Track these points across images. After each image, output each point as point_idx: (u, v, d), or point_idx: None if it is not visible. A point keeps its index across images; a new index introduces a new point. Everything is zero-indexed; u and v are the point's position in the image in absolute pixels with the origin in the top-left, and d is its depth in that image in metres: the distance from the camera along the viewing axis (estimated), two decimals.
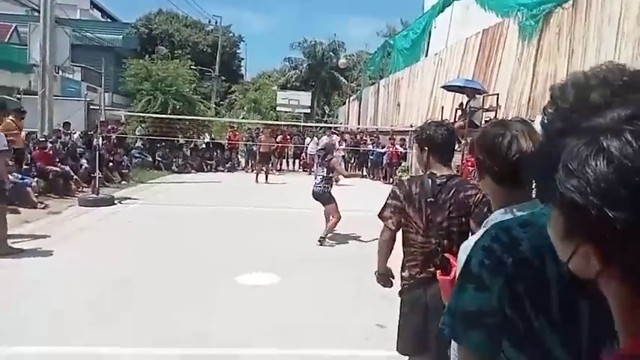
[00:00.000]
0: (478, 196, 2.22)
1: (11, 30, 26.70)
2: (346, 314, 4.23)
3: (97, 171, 9.98)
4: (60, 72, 18.61)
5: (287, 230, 7.55)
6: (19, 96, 16.16)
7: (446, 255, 2.09)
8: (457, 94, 10.82)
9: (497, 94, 9.37)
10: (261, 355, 3.48)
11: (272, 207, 9.52)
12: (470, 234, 2.21)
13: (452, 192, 2.26)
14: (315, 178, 6.99)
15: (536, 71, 8.70)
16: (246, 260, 5.77)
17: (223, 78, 35.35)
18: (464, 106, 9.67)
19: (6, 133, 9.88)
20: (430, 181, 2.30)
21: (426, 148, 2.38)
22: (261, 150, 15.39)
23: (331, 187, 6.86)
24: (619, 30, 6.71)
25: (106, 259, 5.69)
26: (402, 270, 2.42)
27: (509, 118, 1.75)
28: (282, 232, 7.37)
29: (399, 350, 2.47)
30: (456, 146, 10.81)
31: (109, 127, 14.31)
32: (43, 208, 8.60)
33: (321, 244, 6.63)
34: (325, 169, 6.74)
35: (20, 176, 8.88)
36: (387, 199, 2.44)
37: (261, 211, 9.08)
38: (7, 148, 5.91)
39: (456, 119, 9.99)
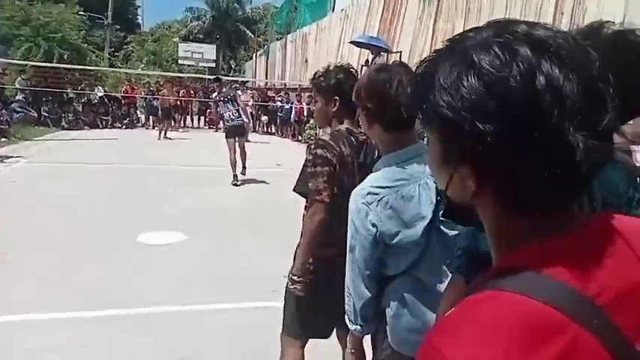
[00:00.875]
0: None
1: None
2: (253, 268, 4.24)
3: None
4: None
5: (193, 187, 7.30)
6: None
7: None
8: (363, 50, 10.95)
9: (400, 52, 9.63)
10: (167, 311, 3.38)
11: (174, 164, 9.12)
12: None
13: (376, 151, 1.89)
14: (232, 116, 7.72)
15: (436, 29, 9.04)
16: (150, 219, 5.51)
17: (117, 27, 32.48)
18: (369, 63, 9.83)
19: None
20: (353, 138, 1.94)
21: (337, 98, 1.97)
22: (163, 105, 14.59)
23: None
24: None
25: None
26: (320, 248, 1.94)
27: (390, 63, 1.72)
28: (187, 189, 7.11)
29: (297, 334, 2.11)
30: None
31: None
32: None
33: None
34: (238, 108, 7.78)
35: None
36: (311, 166, 1.90)
37: (162, 169, 8.66)
38: None
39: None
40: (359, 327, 1.54)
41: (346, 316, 1.57)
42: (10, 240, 4.57)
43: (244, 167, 7.91)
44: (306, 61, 17.58)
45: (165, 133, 13.72)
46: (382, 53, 9.87)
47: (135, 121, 17.27)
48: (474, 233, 1.03)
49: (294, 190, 2.03)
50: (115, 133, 14.73)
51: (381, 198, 1.39)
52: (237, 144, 7.68)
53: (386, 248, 1.43)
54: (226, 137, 7.73)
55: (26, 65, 14.72)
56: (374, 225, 1.39)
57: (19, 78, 15.16)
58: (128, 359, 2.78)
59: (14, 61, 15.07)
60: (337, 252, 1.81)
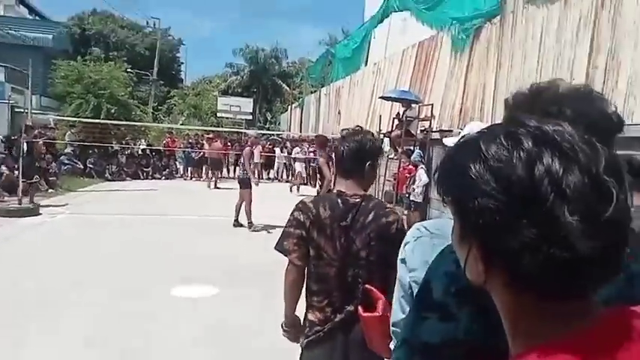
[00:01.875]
0: (399, 223, 1.96)
1: None
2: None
3: (21, 179, 9.35)
4: None
5: (229, 238, 7.42)
6: None
7: (367, 287, 1.84)
8: (395, 103, 11.14)
9: (432, 105, 9.72)
10: None
11: (216, 215, 9.31)
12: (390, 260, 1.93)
13: (371, 216, 1.92)
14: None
15: (467, 83, 9.12)
16: (184, 271, 5.60)
17: (162, 82, 34.35)
18: (400, 116, 9.96)
19: None
20: (340, 201, 1.94)
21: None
22: (211, 156, 15.64)
23: None
24: (540, 45, 7.18)
25: (31, 273, 5.33)
26: (309, 313, 1.99)
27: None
28: (224, 240, 7.23)
29: None
30: (392, 155, 11.13)
31: (36, 131, 13.39)
32: None
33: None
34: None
35: None
36: (287, 226, 1.99)
37: (205, 220, 8.86)
38: None
39: (394, 128, 10.27)
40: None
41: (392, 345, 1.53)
42: (47, 293, 4.73)
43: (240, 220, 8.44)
44: (339, 113, 17.97)
45: (215, 183, 14.56)
46: (413, 106, 10.01)
47: (174, 172, 17.89)
48: (415, 322, 0.96)
49: (275, 247, 2.05)
50: (155, 183, 15.27)
51: (420, 237, 1.37)
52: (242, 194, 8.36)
53: None
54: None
55: (76, 120, 15.65)
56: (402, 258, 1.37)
57: (69, 132, 16.11)
58: None
59: (65, 118, 16.06)
60: (326, 317, 1.93)
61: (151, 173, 16.96)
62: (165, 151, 18.02)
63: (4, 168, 10.83)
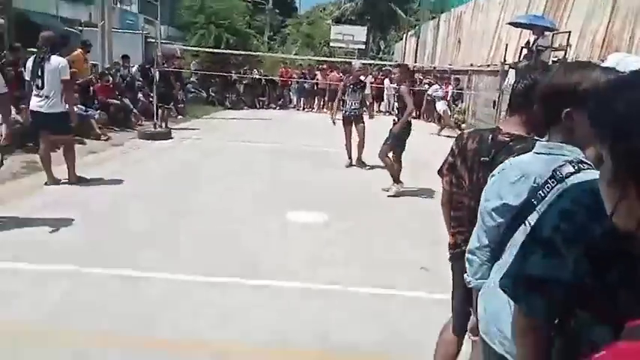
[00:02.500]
0: None
1: None
2: (391, 254, 4.29)
3: (157, 105, 10.28)
4: (117, 4, 18.83)
5: (336, 169, 7.58)
6: (80, 28, 16.59)
7: None
8: (524, 30, 10.08)
9: (569, 32, 8.63)
10: (303, 288, 3.61)
11: (328, 147, 9.52)
12: None
13: (512, 156, 1.77)
14: (353, 105, 7.90)
15: (616, 7, 7.88)
16: (298, 198, 5.88)
17: (277, 11, 34.58)
18: (531, 45, 9.01)
19: (74, 64, 10.30)
20: (491, 137, 1.90)
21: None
22: (330, 89, 15.56)
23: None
24: None
25: (163, 190, 5.99)
26: (450, 236, 2.14)
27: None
28: (332, 171, 7.41)
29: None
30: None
31: (175, 61, 14.01)
32: (106, 139, 9.04)
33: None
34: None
35: (84, 108, 9.30)
36: (448, 153, 2.13)
37: (308, 150, 9.11)
38: (72, 78, 6.16)
39: (521, 59, 9.37)
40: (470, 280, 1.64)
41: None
42: (179, 207, 5.29)
43: (358, 159, 7.90)
44: (459, 42, 16.76)
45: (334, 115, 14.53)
46: (546, 34, 8.97)
47: (288, 103, 18.39)
48: (522, 255, 1.01)
49: (437, 171, 2.20)
50: (270, 113, 15.88)
51: (502, 171, 1.53)
52: (355, 130, 7.85)
53: None
54: (343, 124, 7.97)
55: (199, 50, 16.56)
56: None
57: (194, 62, 17.12)
58: (263, 328, 3.05)
59: (190, 48, 17.04)
60: (455, 243, 2.06)
61: (266, 103, 17.62)
62: (280, 81, 18.47)
63: (140, 95, 11.94)
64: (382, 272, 3.92)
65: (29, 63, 5.85)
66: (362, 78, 8.65)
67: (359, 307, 3.37)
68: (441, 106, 13.43)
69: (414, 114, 7.07)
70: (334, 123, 8.15)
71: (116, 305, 3.17)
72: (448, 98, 13.74)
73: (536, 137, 1.86)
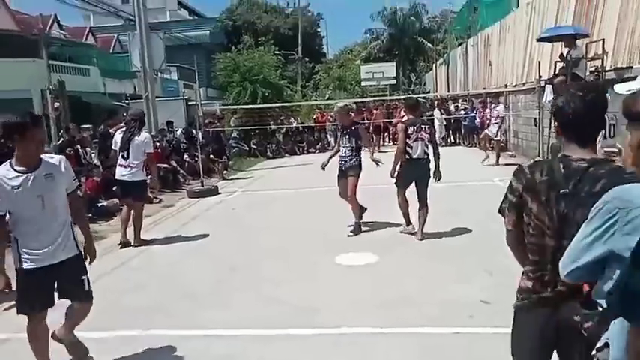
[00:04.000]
0: None
1: (114, 41, 29.23)
2: (448, 291, 4.19)
3: (200, 163, 10.73)
4: (158, 74, 20.09)
5: (383, 207, 7.56)
6: (127, 101, 17.78)
7: None
8: (556, 44, 9.93)
9: (603, 40, 8.44)
10: (365, 333, 3.58)
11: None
12: None
13: (600, 183, 1.66)
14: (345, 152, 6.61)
15: None
16: (345, 240, 5.90)
17: (307, 59, 35.74)
18: (565, 57, 8.84)
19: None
20: (562, 166, 1.75)
21: (556, 124, 1.86)
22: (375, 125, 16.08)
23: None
24: None
25: (217, 245, 6.17)
26: (522, 279, 1.93)
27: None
28: (378, 210, 7.40)
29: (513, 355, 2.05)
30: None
31: (212, 120, 14.73)
32: (158, 202, 9.46)
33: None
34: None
35: None
36: (507, 190, 1.95)
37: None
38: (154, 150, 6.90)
39: (556, 73, 9.20)
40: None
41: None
42: (234, 260, 5.42)
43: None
44: (490, 64, 16.66)
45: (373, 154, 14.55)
46: (578, 44, 8.81)
47: (326, 145, 18.67)
48: (630, 273, 0.95)
49: (498, 211, 2.02)
50: (310, 158, 16.15)
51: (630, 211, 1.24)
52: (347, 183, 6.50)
53: None
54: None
55: (237, 108, 17.30)
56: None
57: (233, 118, 17.84)
58: None
59: (228, 106, 17.83)
60: (535, 290, 1.84)
61: (305, 148, 17.97)
62: (316, 126, 18.86)
63: (186, 156, 12.50)
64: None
65: (118, 137, 6.53)
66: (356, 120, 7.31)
67: (417, 349, 3.30)
68: (493, 130, 11.99)
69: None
70: (323, 168, 6.87)
71: None
72: (498, 122, 12.19)
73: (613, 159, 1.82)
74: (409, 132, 5.82)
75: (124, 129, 6.66)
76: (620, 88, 2.43)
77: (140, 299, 4.47)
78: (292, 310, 3.99)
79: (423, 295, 4.13)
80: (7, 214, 2.88)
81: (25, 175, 2.82)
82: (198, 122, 11.48)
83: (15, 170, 2.84)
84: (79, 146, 9.66)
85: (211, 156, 12.59)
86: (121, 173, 6.36)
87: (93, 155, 10.22)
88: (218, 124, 13.73)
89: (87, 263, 3.17)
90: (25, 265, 2.90)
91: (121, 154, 6.31)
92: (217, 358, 3.35)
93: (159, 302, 4.36)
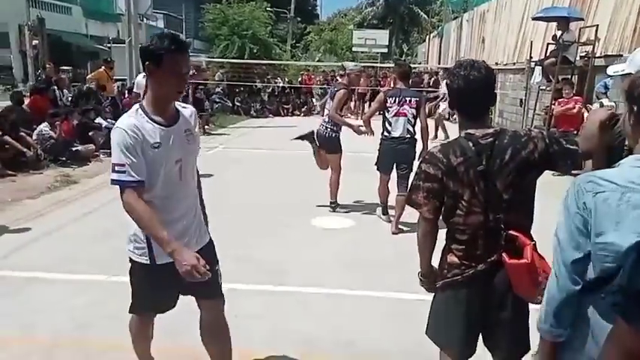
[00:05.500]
0: (540, 144, 1.80)
1: None
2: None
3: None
4: (144, 20, 19.36)
5: (362, 173, 7.55)
6: (109, 45, 17.18)
7: (512, 233, 1.78)
8: (550, 26, 9.87)
9: (597, 26, 8.40)
10: (332, 294, 3.61)
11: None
12: (532, 199, 1.88)
13: (509, 153, 1.79)
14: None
15: None
16: (323, 205, 5.89)
17: (299, 19, 34.88)
18: (558, 39, 8.80)
19: (99, 81, 10.64)
20: (471, 144, 1.81)
21: (453, 102, 1.93)
22: (360, 91, 15.45)
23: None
24: None
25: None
26: (450, 256, 1.93)
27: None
28: (356, 176, 7.39)
29: (431, 337, 2.04)
30: (545, 86, 9.56)
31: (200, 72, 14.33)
32: None
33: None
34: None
35: (114, 122, 9.57)
36: (416, 179, 1.92)
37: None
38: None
39: (547, 55, 9.17)
40: (549, 327, 1.35)
41: (537, 318, 1.43)
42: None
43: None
44: (483, 41, 16.51)
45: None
46: (572, 28, 8.76)
47: (311, 109, 18.45)
48: (632, 270, 0.91)
49: (405, 201, 2.05)
50: (295, 120, 15.96)
51: (602, 192, 1.23)
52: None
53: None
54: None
55: (224, 61, 16.86)
56: (587, 212, 1.24)
57: (219, 72, 17.44)
58: (292, 333, 3.06)
59: (215, 59, 17.38)
60: (466, 265, 1.87)
61: (290, 110, 17.73)
62: (303, 88, 18.57)
63: None
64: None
65: (141, 79, 6.48)
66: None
67: (383, 313, 3.35)
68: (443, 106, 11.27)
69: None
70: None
71: None
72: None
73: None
74: (388, 104, 4.94)
75: None
76: (610, 70, 2.47)
77: (108, 246, 4.41)
78: (260, 268, 3.99)
79: (397, 261, 4.17)
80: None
81: (166, 130, 1.98)
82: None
83: (153, 121, 1.96)
84: (55, 87, 9.32)
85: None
86: None
87: (69, 98, 9.92)
88: (196, 73, 13.33)
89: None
90: (157, 259, 2.06)
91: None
92: (180, 308, 3.35)
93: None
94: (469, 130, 1.85)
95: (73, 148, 8.06)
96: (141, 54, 1.95)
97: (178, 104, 2.11)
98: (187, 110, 2.15)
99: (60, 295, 3.48)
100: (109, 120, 9.41)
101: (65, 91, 9.54)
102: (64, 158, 7.80)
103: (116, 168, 1.90)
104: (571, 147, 1.82)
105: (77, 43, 20.13)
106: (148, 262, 2.08)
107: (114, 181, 1.93)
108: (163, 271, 2.01)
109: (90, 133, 8.59)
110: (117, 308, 3.29)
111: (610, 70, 2.49)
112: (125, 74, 13.05)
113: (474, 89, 1.83)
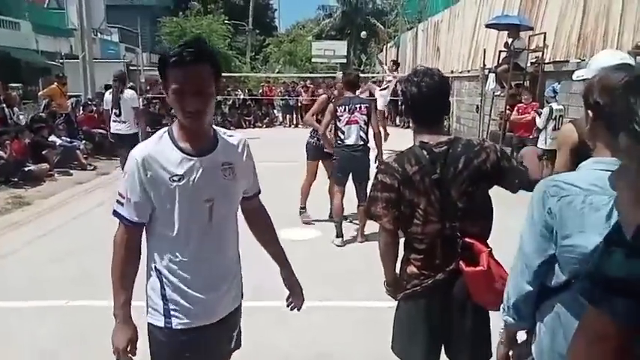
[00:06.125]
0: (492, 155, 1.83)
1: None
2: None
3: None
4: (98, 34, 18.87)
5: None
6: (61, 60, 16.61)
7: (468, 240, 1.79)
8: (501, 34, 10.25)
9: (544, 33, 8.79)
10: (309, 307, 3.57)
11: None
12: (487, 208, 1.90)
13: (462, 161, 1.80)
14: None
15: (587, 5, 8.06)
16: (292, 216, 5.86)
17: (257, 31, 34.89)
18: (509, 46, 9.15)
19: (52, 98, 10.27)
20: (425, 152, 1.82)
21: (407, 108, 1.96)
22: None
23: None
24: None
25: None
26: (408, 267, 1.91)
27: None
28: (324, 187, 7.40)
29: (396, 353, 2.01)
30: (499, 92, 9.81)
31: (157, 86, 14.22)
32: (93, 169, 8.98)
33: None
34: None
35: (69, 139, 9.24)
36: (373, 190, 1.91)
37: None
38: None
39: (500, 62, 9.51)
40: (511, 319, 1.46)
41: (501, 307, 1.51)
42: None
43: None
44: (438, 50, 16.99)
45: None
46: (522, 36, 9.14)
47: (274, 120, 18.43)
48: (600, 256, 0.94)
49: (365, 213, 2.08)
50: (257, 132, 15.88)
51: (566, 196, 1.27)
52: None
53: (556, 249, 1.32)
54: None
55: None
56: (552, 216, 1.29)
57: None
58: (270, 348, 3.01)
59: None
60: (424, 275, 1.86)
61: (252, 122, 17.65)
62: (264, 99, 18.55)
63: None
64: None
65: (108, 95, 7.34)
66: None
67: (357, 322, 3.34)
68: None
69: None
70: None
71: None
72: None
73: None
74: (338, 113, 4.88)
75: (111, 89, 7.33)
76: (574, 75, 2.60)
77: (65, 269, 4.22)
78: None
79: (366, 270, 4.17)
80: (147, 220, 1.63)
81: (194, 159, 1.57)
82: (140, 88, 10.91)
83: (178, 148, 1.58)
84: (4, 105, 8.93)
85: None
86: (116, 127, 7.13)
87: (21, 116, 9.52)
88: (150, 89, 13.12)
89: (294, 308, 2.21)
90: (174, 323, 1.64)
91: (113, 112, 7.06)
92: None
93: (85, 272, 4.14)
94: (423, 139, 1.86)
95: (26, 168, 7.72)
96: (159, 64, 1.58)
97: (224, 130, 1.76)
98: (234, 138, 1.75)
99: (20, 324, 3.29)
100: (63, 138, 9.09)
101: (16, 109, 9.14)
102: (15, 179, 7.45)
103: (117, 198, 1.62)
104: (521, 167, 1.87)
105: (27, 59, 19.38)
106: (162, 325, 1.65)
107: (114, 212, 1.64)
108: (184, 337, 1.63)
109: (43, 152, 8.26)
110: (80, 334, 3.14)
111: (574, 75, 2.61)
112: (80, 90, 12.64)
113: (428, 96, 1.83)
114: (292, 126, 17.69)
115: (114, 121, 7.11)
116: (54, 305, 3.54)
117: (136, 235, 1.63)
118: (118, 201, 1.61)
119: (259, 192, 1.96)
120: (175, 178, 1.55)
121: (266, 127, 17.53)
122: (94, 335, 3.16)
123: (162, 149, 1.58)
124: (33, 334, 3.15)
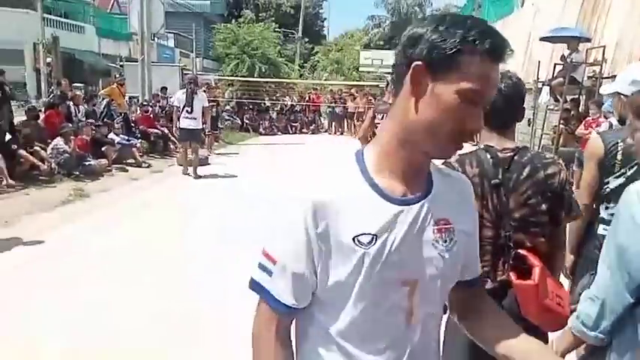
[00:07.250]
0: (562, 174, 1.74)
1: (112, 1, 28.59)
2: None
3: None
4: (156, 39, 19.74)
5: None
6: (121, 63, 17.47)
7: (521, 252, 1.69)
8: (556, 46, 9.97)
9: (604, 47, 8.49)
10: None
11: None
12: (546, 224, 1.75)
13: (526, 170, 1.72)
14: None
15: None
16: None
17: (306, 39, 35.39)
18: (566, 59, 8.88)
19: (111, 97, 10.84)
20: (489, 156, 1.74)
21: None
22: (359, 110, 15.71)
23: None
24: None
25: (200, 215, 6.16)
26: None
27: None
28: None
29: None
30: (552, 105, 9.34)
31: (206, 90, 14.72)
32: (147, 167, 9.38)
33: None
34: None
35: (126, 138, 9.71)
36: None
37: None
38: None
39: (555, 75, 9.26)
40: (595, 334, 1.30)
41: (577, 320, 1.36)
42: (215, 231, 5.42)
43: None
44: None
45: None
46: (580, 49, 8.87)
47: (319, 127, 18.63)
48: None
49: None
50: (302, 138, 16.11)
51: None
52: None
53: None
54: None
55: (233, 80, 17.14)
56: None
57: (228, 90, 17.70)
58: None
59: (224, 77, 17.66)
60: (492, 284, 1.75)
61: (299, 128, 17.92)
62: (311, 106, 18.80)
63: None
64: None
65: (180, 95, 8.42)
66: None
67: None
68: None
69: None
70: None
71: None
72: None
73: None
74: (377, 120, 4.97)
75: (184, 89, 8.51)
76: (602, 89, 2.54)
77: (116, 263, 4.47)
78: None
79: None
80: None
81: (399, 208, 0.91)
82: (193, 91, 11.32)
83: (373, 187, 0.92)
84: (70, 102, 9.50)
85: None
86: (187, 123, 8.24)
87: (84, 113, 10.08)
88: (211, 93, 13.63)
89: None
90: None
91: (185, 109, 8.17)
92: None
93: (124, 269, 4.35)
94: (490, 142, 1.78)
95: (87, 163, 8.17)
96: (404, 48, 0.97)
97: (440, 166, 1.09)
98: (454, 179, 1.06)
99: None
100: (121, 136, 9.56)
101: (80, 107, 9.70)
102: (77, 172, 7.90)
103: (263, 262, 0.96)
104: (575, 202, 1.80)
105: (89, 61, 20.50)
106: None
107: (254, 283, 0.97)
108: None
109: (103, 148, 8.71)
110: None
111: (603, 90, 2.55)
112: (137, 92, 13.27)
113: (505, 98, 1.72)
114: (337, 133, 17.81)
115: (185, 117, 8.19)
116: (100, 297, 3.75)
117: (287, 327, 0.98)
118: (261, 266, 0.96)
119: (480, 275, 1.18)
120: (363, 240, 0.89)
121: (312, 133, 17.74)
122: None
123: (349, 189, 0.91)
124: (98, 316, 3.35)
